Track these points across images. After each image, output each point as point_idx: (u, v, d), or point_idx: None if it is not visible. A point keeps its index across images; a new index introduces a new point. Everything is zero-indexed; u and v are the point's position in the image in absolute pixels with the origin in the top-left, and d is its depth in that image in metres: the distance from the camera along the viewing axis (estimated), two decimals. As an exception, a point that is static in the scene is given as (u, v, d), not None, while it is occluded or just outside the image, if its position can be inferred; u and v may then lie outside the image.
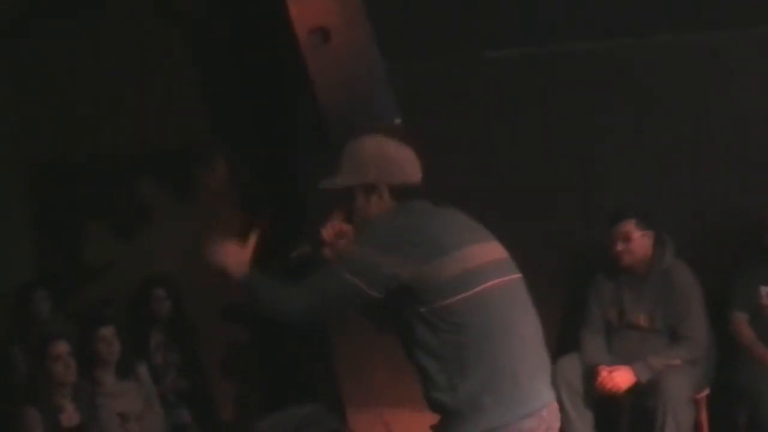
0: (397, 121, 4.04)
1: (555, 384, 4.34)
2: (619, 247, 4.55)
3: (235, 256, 2.80)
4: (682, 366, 4.42)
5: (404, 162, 2.86)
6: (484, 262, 2.76)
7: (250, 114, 5.30)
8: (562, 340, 4.66)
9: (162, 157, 5.33)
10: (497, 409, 2.65)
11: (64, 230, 5.48)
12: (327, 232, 2.89)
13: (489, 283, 2.73)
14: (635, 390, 4.43)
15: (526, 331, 2.79)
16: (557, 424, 2.81)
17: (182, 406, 4.99)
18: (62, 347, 4.22)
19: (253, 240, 2.84)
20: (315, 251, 2.90)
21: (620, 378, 4.39)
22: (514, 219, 4.68)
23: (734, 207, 4.83)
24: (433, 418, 2.77)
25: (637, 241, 4.55)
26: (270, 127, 5.19)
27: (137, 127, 5.26)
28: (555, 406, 2.81)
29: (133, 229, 5.37)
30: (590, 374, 4.47)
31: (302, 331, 5.05)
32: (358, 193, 2.83)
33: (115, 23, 5.22)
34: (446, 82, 4.78)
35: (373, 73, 4.07)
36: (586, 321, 4.67)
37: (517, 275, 2.84)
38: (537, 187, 4.83)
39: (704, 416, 4.56)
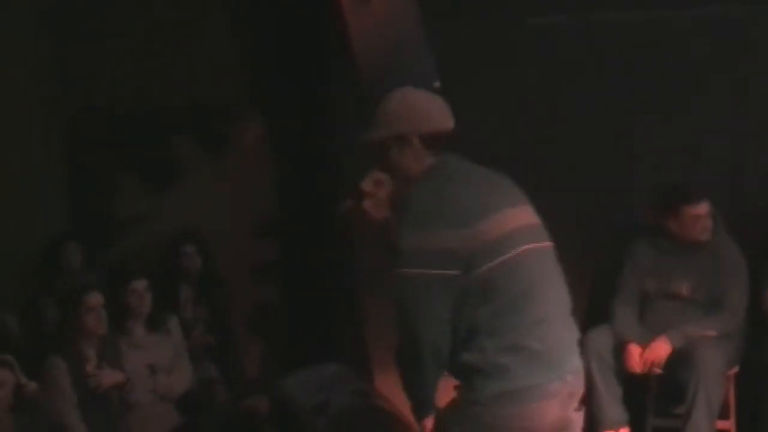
0: (436, 84, 4.02)
1: (585, 356, 4.39)
2: (695, 230, 4.50)
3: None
4: (717, 339, 4.41)
5: (433, 110, 2.87)
6: (519, 226, 2.77)
7: (286, 73, 5.28)
8: (591, 311, 4.66)
9: (196, 114, 5.33)
10: (523, 371, 2.68)
11: (96, 184, 5.48)
12: (366, 184, 2.91)
13: (524, 248, 2.74)
14: (668, 361, 4.42)
15: (555, 297, 2.81)
16: (581, 390, 2.83)
17: (209, 361, 5.02)
18: (97, 298, 4.24)
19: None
20: (358, 204, 2.91)
21: (659, 348, 4.40)
22: (547, 187, 4.66)
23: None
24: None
25: (708, 220, 4.52)
26: (306, 87, 5.18)
27: (171, 84, 5.25)
28: (581, 372, 2.83)
29: (165, 184, 5.38)
30: (621, 348, 4.47)
31: (332, 292, 5.09)
32: (391, 145, 2.84)
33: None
34: (486, 47, 4.75)
35: (414, 36, 4.06)
36: (618, 290, 4.65)
37: (549, 243, 2.85)
38: (572, 155, 4.81)
39: (732, 393, 4.55)
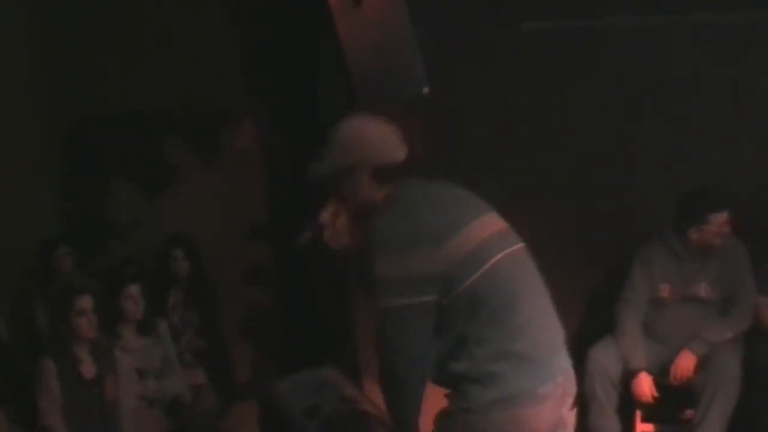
0: (426, 89, 4.01)
1: (589, 373, 4.37)
2: (716, 236, 4.47)
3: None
4: (732, 341, 4.42)
5: (382, 141, 2.82)
6: (489, 235, 2.76)
7: (280, 77, 5.28)
8: (591, 318, 4.65)
9: (190, 118, 5.32)
10: (514, 376, 2.67)
11: (89, 187, 5.48)
12: (324, 216, 2.88)
13: (499, 255, 2.73)
14: None
15: (537, 298, 2.80)
16: (574, 390, 2.82)
17: (198, 366, 5.01)
18: (87, 302, 4.24)
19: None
20: (316, 235, 2.89)
21: (685, 362, 4.40)
22: (544, 191, 4.69)
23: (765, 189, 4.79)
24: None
25: (727, 226, 4.50)
26: (300, 91, 5.17)
27: (165, 87, 5.24)
28: (571, 372, 2.82)
29: (158, 188, 5.38)
30: (629, 374, 4.46)
31: (322, 297, 5.09)
32: (342, 177, 2.81)
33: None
34: (481, 53, 4.73)
35: (404, 41, 4.02)
36: (627, 297, 4.59)
37: (521, 244, 2.84)
38: (569, 162, 4.79)
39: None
